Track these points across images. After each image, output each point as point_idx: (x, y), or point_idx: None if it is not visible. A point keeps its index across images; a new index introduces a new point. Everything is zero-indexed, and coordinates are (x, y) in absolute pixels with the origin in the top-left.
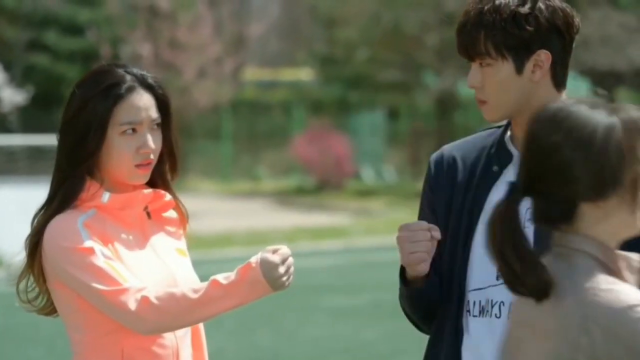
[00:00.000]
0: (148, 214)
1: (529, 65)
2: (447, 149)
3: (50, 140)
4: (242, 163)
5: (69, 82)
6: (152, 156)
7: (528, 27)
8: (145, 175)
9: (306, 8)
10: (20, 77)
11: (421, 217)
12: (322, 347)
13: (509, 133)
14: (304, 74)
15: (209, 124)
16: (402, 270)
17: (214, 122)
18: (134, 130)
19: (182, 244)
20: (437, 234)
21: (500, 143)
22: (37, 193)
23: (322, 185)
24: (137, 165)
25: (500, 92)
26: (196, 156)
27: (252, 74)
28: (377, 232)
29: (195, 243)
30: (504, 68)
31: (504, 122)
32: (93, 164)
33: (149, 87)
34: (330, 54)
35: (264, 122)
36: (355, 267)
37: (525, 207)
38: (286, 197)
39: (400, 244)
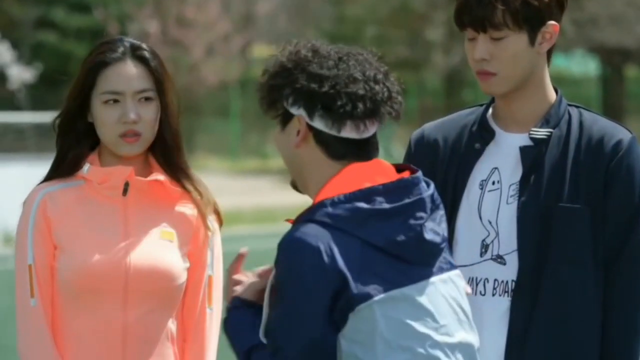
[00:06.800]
0: (125, 191)
1: (539, 37)
2: (428, 127)
3: None
4: (251, 141)
5: (77, 60)
6: (137, 127)
7: None
8: (131, 145)
9: None
10: (29, 54)
11: None
12: None
13: (490, 111)
14: None
15: (217, 101)
16: None
17: (222, 99)
18: (116, 100)
19: (171, 226)
20: None
21: (482, 121)
22: (45, 171)
23: None
24: (122, 136)
25: (513, 64)
26: (204, 134)
27: (261, 51)
28: None
29: None
30: (519, 39)
31: (486, 101)
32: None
33: (139, 59)
34: (339, 31)
35: None
36: None
37: (509, 183)
38: None
39: None
